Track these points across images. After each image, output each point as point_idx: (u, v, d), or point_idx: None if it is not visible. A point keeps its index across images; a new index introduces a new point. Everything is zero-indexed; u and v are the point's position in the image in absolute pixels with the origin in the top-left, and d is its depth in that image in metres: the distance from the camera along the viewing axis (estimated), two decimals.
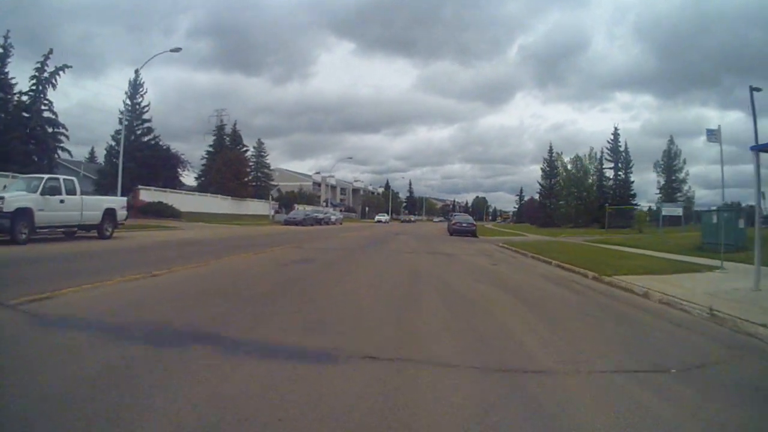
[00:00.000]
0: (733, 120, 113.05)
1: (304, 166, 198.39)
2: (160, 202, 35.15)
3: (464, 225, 30.48)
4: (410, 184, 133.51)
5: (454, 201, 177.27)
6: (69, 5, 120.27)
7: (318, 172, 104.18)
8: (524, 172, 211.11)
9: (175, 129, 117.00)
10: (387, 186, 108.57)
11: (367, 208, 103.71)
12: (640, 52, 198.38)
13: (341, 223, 48.50)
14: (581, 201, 54.34)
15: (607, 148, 57.03)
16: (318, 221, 40.43)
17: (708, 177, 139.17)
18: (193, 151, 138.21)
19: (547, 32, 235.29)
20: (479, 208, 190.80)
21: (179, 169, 41.53)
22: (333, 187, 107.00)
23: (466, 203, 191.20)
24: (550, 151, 61.51)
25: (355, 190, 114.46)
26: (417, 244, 20.44)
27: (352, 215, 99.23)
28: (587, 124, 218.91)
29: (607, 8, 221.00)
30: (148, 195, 35.48)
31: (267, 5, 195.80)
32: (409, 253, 15.03)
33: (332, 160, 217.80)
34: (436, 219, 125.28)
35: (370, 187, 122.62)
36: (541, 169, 61.97)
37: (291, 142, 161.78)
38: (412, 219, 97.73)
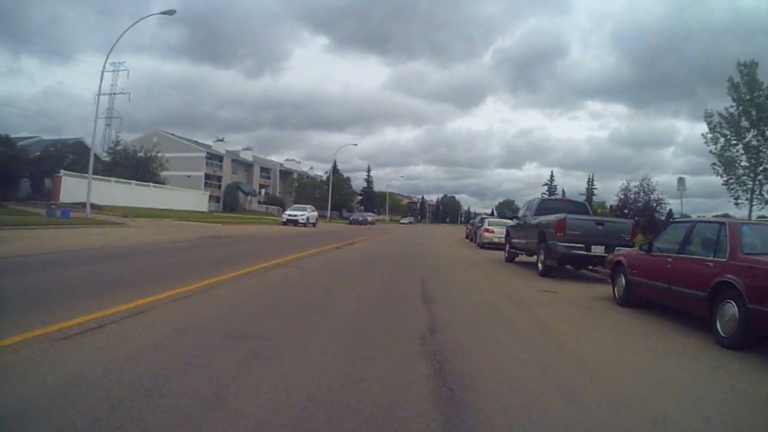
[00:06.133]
0: (704, 130, 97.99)
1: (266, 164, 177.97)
2: None
3: None
4: (368, 170, 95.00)
5: (423, 198, 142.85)
6: None
7: (221, 139, 64.83)
8: (488, 176, 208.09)
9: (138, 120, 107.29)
10: (334, 168, 71.00)
11: (278, 194, 66.20)
12: (615, 61, 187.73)
13: None
14: None
15: None
16: None
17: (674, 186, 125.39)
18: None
19: (523, 36, 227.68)
20: (450, 209, 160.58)
21: None
22: (248, 166, 68.13)
23: (437, 201, 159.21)
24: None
25: (285, 173, 75.79)
26: None
27: (273, 209, 61.42)
28: (556, 131, 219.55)
29: (586, 16, 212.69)
30: None
31: None
32: None
33: (295, 157, 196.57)
34: (404, 220, 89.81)
35: (309, 171, 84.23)
36: (733, 97, 22.19)
37: (255, 137, 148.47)
38: (369, 219, 61.26)
